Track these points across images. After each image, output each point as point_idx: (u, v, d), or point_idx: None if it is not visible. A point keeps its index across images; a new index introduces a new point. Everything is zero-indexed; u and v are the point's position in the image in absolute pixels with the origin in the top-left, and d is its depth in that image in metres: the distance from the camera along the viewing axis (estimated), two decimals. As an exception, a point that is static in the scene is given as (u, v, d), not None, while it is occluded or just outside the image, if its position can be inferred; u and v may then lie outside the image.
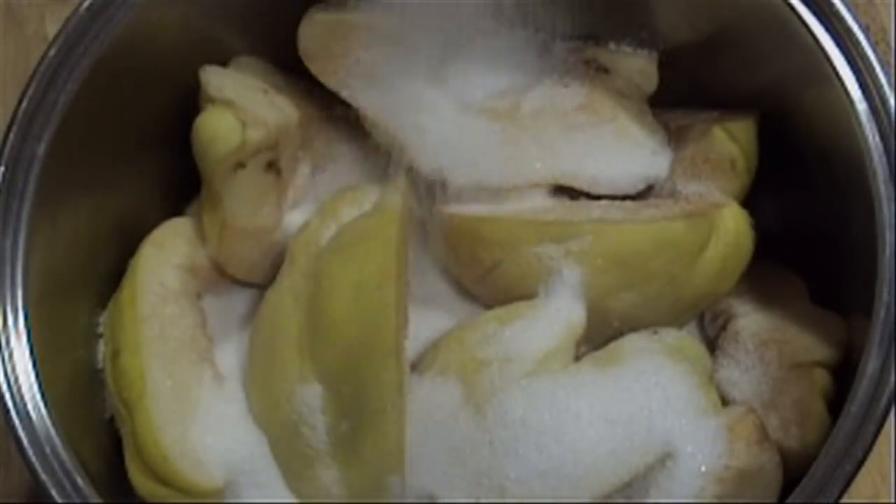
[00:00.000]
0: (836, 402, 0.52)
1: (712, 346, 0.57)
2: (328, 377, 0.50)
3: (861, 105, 0.50)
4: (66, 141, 0.50)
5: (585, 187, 0.56)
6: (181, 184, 0.57)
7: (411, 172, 0.55)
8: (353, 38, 0.56)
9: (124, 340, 0.52)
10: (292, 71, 0.58)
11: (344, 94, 0.56)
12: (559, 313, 0.53)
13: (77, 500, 0.47)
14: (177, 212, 0.58)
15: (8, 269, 0.49)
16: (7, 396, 0.47)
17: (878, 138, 0.49)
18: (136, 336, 0.52)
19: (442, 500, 0.50)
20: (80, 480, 0.47)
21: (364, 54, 0.56)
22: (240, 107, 0.53)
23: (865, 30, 0.50)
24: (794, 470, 0.50)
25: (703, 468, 0.50)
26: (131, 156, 0.56)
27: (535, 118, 0.56)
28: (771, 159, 0.58)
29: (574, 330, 0.53)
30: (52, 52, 0.50)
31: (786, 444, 0.52)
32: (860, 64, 0.50)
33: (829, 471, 0.46)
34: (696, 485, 0.50)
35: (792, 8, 0.51)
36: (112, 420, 0.53)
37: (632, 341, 0.53)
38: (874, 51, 0.50)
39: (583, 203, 0.56)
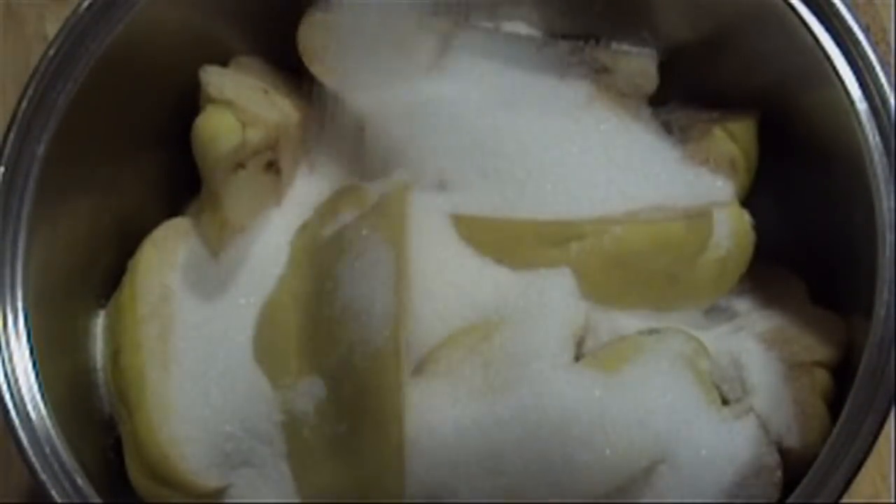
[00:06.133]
0: (836, 402, 0.52)
1: (712, 346, 0.57)
2: (328, 377, 0.50)
3: (861, 105, 0.50)
4: (66, 141, 0.50)
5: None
6: (181, 184, 0.57)
7: (411, 172, 0.55)
8: (353, 38, 0.56)
9: (124, 340, 0.52)
10: (292, 71, 0.58)
11: (344, 94, 0.56)
12: (559, 313, 0.53)
13: (77, 500, 0.47)
14: (177, 212, 0.58)
15: (8, 269, 0.49)
16: (7, 396, 0.47)
17: (878, 138, 0.49)
18: (136, 336, 0.52)
19: (442, 501, 0.50)
20: (80, 480, 0.47)
21: (364, 54, 0.56)
22: (240, 107, 0.53)
23: (865, 30, 0.50)
24: (794, 470, 0.50)
25: (702, 468, 0.50)
26: (131, 156, 0.56)
27: (535, 118, 0.56)
28: (771, 159, 0.58)
29: (574, 330, 0.53)
30: (52, 52, 0.50)
31: (786, 444, 0.52)
32: (860, 64, 0.50)
33: (829, 471, 0.46)
34: (695, 485, 0.50)
35: (792, 8, 0.51)
36: (112, 420, 0.53)
37: (632, 341, 0.53)
38: (874, 51, 0.50)
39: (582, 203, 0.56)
